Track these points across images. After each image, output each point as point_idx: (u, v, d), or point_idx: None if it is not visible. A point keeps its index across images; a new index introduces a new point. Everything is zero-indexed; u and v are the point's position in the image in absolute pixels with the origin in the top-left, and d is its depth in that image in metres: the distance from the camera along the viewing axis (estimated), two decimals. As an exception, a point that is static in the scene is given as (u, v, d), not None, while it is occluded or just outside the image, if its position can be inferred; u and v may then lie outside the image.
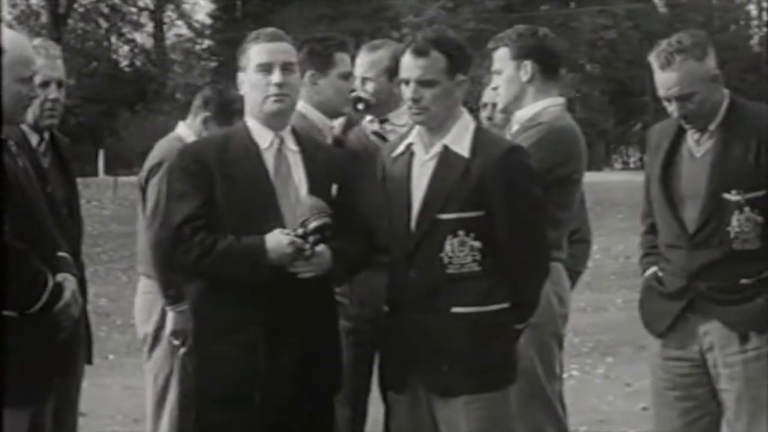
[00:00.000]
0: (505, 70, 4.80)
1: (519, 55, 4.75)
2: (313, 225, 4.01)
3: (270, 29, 4.27)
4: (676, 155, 4.44)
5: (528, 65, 4.74)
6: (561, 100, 4.84)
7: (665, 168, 4.44)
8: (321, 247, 4.04)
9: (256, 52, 4.18)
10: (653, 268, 4.54)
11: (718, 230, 4.34)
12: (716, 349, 4.37)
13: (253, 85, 4.18)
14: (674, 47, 4.30)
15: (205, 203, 4.06)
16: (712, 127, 4.38)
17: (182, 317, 5.27)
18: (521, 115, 4.77)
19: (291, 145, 4.22)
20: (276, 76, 4.15)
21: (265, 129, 4.19)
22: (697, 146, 4.41)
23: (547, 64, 4.78)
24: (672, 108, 4.37)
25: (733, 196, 4.32)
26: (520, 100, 4.78)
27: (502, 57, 4.80)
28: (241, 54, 4.22)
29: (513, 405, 4.20)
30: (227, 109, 5.39)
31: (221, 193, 4.08)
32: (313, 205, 4.05)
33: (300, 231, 4.01)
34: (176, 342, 5.35)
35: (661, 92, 4.36)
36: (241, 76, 4.23)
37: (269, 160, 4.16)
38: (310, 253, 4.02)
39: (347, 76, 5.10)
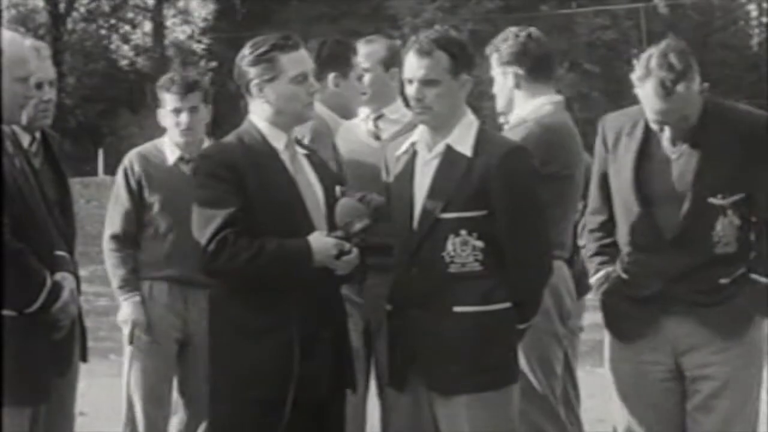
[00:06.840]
0: (496, 76, 4.92)
1: (503, 62, 4.86)
2: (357, 227, 4.07)
3: (280, 34, 4.15)
4: (647, 156, 4.33)
5: (510, 72, 4.83)
6: (557, 98, 4.87)
7: (637, 170, 4.33)
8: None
9: (289, 63, 4.08)
10: (608, 269, 4.44)
11: (700, 234, 4.27)
12: (695, 350, 4.31)
13: (291, 96, 4.09)
14: (672, 76, 4.14)
15: (241, 207, 4.00)
16: (686, 127, 4.27)
17: (136, 307, 5.48)
18: (513, 117, 4.85)
19: (299, 148, 4.23)
20: (312, 84, 4.14)
21: (278, 131, 4.15)
22: (673, 147, 4.31)
23: (533, 67, 4.84)
24: (657, 125, 4.28)
25: (718, 201, 4.26)
26: (511, 105, 4.88)
27: (493, 63, 4.91)
28: (262, 63, 4.08)
29: (516, 404, 4.20)
30: None
31: (254, 195, 4.03)
32: (356, 208, 4.10)
33: (340, 233, 4.05)
34: (127, 331, 5.50)
35: (656, 117, 4.25)
36: (271, 89, 4.08)
37: (287, 162, 4.15)
38: (350, 254, 4.05)
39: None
